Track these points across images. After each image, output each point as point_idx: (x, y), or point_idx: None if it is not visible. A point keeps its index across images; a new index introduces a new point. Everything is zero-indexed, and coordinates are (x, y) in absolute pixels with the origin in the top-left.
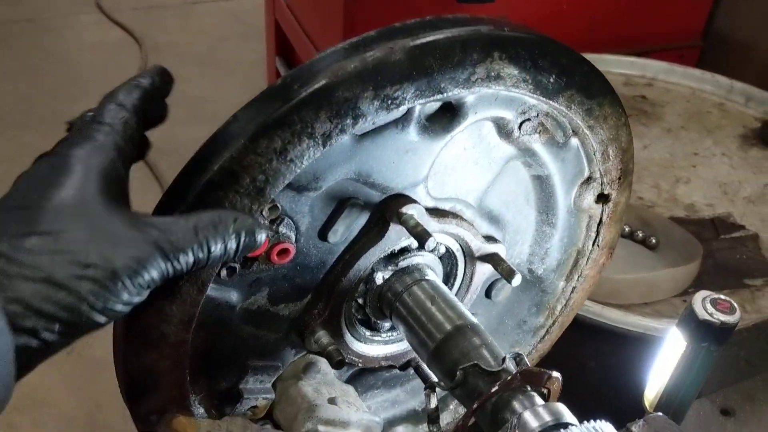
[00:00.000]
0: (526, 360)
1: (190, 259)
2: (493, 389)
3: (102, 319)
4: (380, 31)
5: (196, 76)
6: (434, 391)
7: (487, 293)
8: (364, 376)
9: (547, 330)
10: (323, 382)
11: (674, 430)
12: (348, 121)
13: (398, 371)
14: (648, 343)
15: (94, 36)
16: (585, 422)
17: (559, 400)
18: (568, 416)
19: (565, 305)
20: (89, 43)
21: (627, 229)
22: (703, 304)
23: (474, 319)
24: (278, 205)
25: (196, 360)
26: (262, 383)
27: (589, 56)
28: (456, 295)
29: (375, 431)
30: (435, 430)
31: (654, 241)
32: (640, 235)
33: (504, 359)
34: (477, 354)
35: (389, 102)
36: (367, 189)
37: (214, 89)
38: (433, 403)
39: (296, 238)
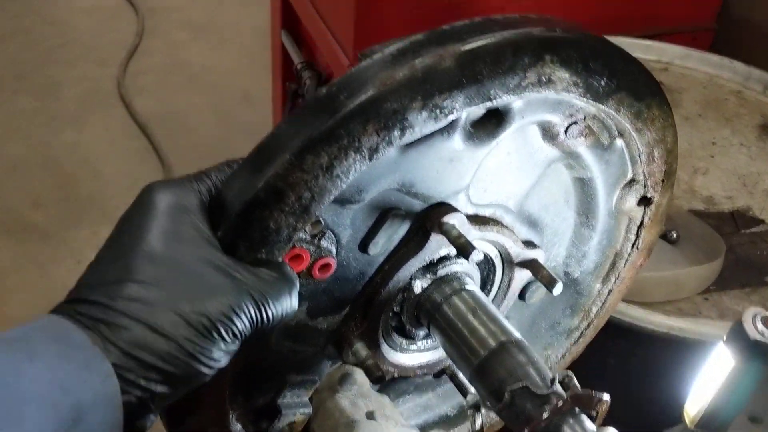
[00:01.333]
0: (575, 381)
1: (278, 311)
2: (545, 415)
3: (202, 368)
4: (429, 34)
5: (193, 42)
6: (479, 411)
7: (521, 295)
8: (396, 382)
9: (582, 332)
10: (359, 394)
11: None
12: (395, 133)
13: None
14: (671, 343)
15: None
16: None
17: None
18: None
19: (601, 307)
20: (84, 7)
21: None
22: (753, 322)
23: (518, 335)
24: (321, 219)
25: (236, 379)
26: (300, 397)
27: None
28: (492, 301)
29: None
30: None
31: (675, 235)
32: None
33: (553, 380)
34: (524, 373)
35: (438, 111)
36: (409, 199)
37: (212, 57)
38: (479, 423)
39: (337, 251)
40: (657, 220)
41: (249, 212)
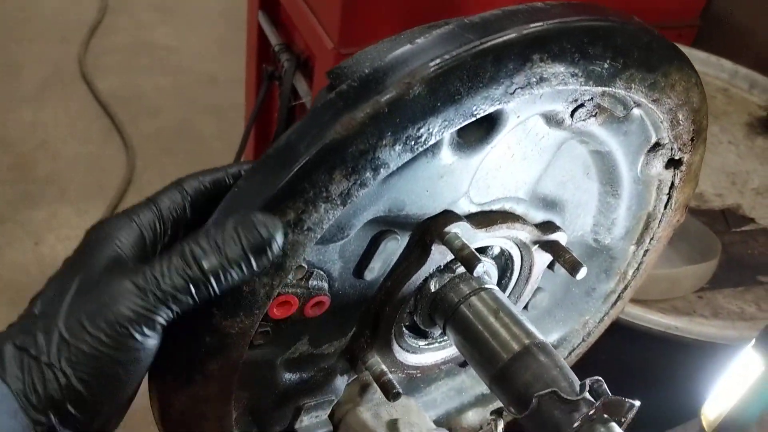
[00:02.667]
0: (605, 387)
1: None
2: (576, 424)
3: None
4: (394, 58)
5: (159, 23)
6: (501, 416)
7: (550, 265)
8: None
9: (619, 295)
10: (381, 403)
11: None
12: (367, 174)
13: None
14: (666, 342)
15: None
16: None
17: None
18: None
19: (637, 268)
20: None
21: None
22: None
23: (543, 338)
24: (303, 264)
25: (244, 418)
26: (318, 417)
27: None
28: (514, 288)
29: None
30: None
31: None
32: None
33: (583, 386)
34: (550, 378)
35: (413, 143)
36: (401, 220)
37: (178, 38)
38: (500, 429)
39: (330, 285)
40: (690, 178)
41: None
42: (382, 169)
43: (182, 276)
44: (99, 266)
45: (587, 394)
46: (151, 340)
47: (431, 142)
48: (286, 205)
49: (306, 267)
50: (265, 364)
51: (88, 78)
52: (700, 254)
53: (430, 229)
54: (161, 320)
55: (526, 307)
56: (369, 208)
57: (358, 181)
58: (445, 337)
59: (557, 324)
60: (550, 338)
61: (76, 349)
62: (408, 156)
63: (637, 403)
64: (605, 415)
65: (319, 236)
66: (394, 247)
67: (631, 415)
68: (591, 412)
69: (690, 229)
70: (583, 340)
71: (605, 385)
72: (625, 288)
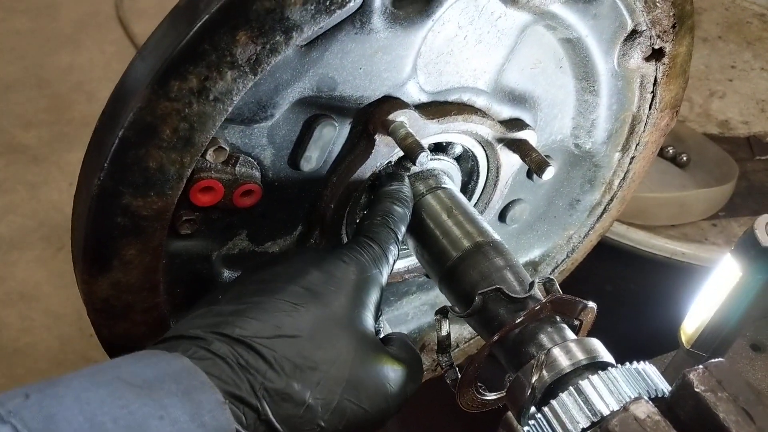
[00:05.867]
0: (557, 286)
1: None
2: (518, 319)
3: None
4: None
5: None
6: (446, 316)
7: (529, 174)
8: (394, 284)
9: (605, 207)
10: None
11: (740, 382)
12: (278, 38)
13: None
14: (673, 269)
15: None
16: (626, 363)
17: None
18: (605, 354)
19: (624, 178)
20: None
21: None
22: (767, 229)
23: (497, 237)
24: (224, 146)
25: (183, 315)
26: None
27: None
28: (483, 193)
29: None
30: (445, 360)
31: (685, 158)
32: (671, 151)
33: (532, 284)
34: (500, 277)
35: (327, 2)
36: (336, 103)
37: None
38: (445, 330)
39: (262, 173)
40: (676, 72)
41: (121, 155)
42: (294, 33)
43: None
44: None
45: (537, 293)
46: None
47: (350, 4)
48: (187, 70)
49: (228, 150)
50: (199, 257)
51: (124, 21)
52: (717, 180)
53: (373, 118)
54: None
55: (504, 218)
56: (293, 84)
57: (268, 46)
58: (405, 246)
59: (540, 239)
60: (533, 254)
61: None
62: (325, 19)
63: (592, 304)
64: (557, 317)
65: (229, 108)
66: (330, 134)
67: (590, 318)
68: (537, 308)
69: (708, 154)
70: (568, 256)
71: (557, 285)
72: (612, 200)
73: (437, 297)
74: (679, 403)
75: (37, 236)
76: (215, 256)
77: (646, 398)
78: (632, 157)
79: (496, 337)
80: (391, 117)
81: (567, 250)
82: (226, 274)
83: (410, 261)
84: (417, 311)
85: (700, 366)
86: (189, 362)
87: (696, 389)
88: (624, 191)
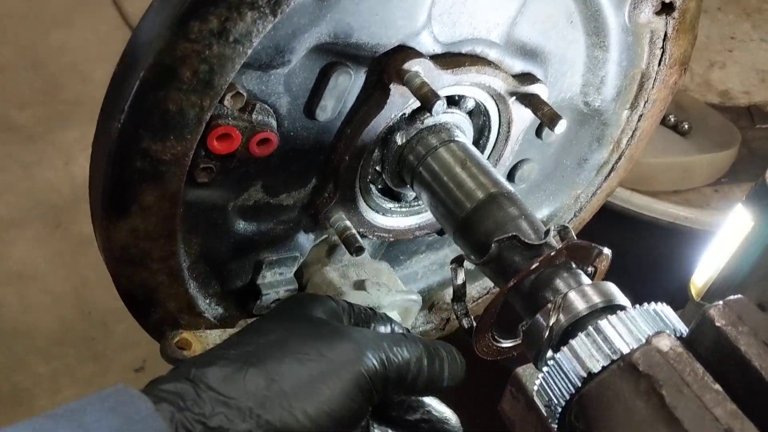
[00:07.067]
0: (573, 233)
1: None
2: (534, 265)
3: None
4: None
5: None
6: (461, 265)
7: (538, 133)
8: (404, 242)
9: (613, 166)
10: (351, 264)
11: (760, 317)
12: None
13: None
14: (676, 234)
15: None
16: (643, 304)
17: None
18: (620, 297)
19: (632, 136)
20: None
21: None
22: None
23: (510, 188)
24: (241, 91)
25: (199, 266)
26: (282, 275)
27: None
28: (494, 148)
29: (413, 310)
30: (460, 309)
31: (686, 126)
32: (672, 119)
33: (547, 232)
34: (515, 225)
35: None
36: (352, 51)
37: None
38: (460, 278)
39: (278, 122)
40: (686, 28)
41: (141, 98)
42: None
43: None
44: None
45: (551, 240)
46: None
47: None
48: (207, 11)
49: (245, 96)
50: (215, 207)
51: (117, 1)
52: (719, 147)
53: (388, 68)
54: None
55: (512, 178)
56: (310, 29)
57: None
58: (419, 202)
59: (548, 198)
60: (541, 213)
61: None
62: None
63: (607, 250)
64: (572, 263)
65: (249, 51)
66: (346, 82)
67: (604, 265)
68: (552, 254)
69: (709, 122)
70: (575, 215)
71: (573, 233)
72: (620, 158)
73: (446, 257)
74: (698, 339)
75: (33, 215)
76: (231, 206)
77: (668, 332)
78: (641, 115)
79: (512, 282)
80: (406, 66)
81: (575, 209)
82: (242, 225)
83: (422, 218)
84: (426, 270)
85: (720, 302)
86: (122, 385)
87: (717, 323)
88: (632, 149)
